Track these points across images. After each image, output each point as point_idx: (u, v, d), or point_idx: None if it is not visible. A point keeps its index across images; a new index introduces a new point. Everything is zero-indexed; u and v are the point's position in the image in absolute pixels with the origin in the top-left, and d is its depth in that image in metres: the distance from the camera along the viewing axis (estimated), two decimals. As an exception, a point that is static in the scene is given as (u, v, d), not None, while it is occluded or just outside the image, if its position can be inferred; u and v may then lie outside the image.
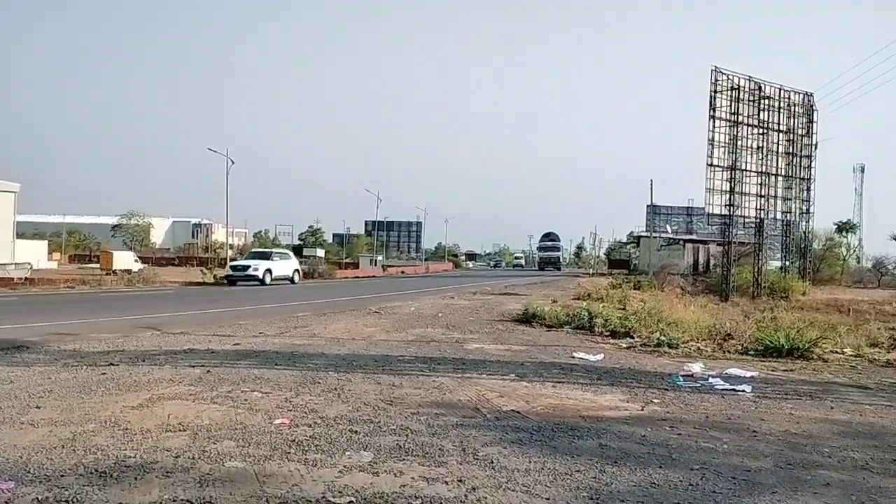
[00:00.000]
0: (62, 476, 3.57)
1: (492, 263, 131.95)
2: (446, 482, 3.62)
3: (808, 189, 33.44)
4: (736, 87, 29.07)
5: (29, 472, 3.63)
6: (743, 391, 6.66)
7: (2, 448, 4.06)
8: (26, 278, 29.19)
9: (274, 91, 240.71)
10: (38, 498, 3.25)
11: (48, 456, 3.91)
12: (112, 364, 7.25)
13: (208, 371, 6.88)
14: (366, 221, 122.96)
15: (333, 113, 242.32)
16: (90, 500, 3.23)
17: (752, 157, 29.81)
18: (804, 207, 33.58)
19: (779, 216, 32.57)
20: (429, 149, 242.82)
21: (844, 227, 58.46)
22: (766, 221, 31.02)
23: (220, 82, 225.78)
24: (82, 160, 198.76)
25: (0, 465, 3.76)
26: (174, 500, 3.25)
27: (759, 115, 29.93)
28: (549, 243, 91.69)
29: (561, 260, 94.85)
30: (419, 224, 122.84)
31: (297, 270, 33.41)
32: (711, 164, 28.41)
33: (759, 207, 30.02)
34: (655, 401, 6.08)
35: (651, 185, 65.05)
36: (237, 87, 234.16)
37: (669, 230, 76.31)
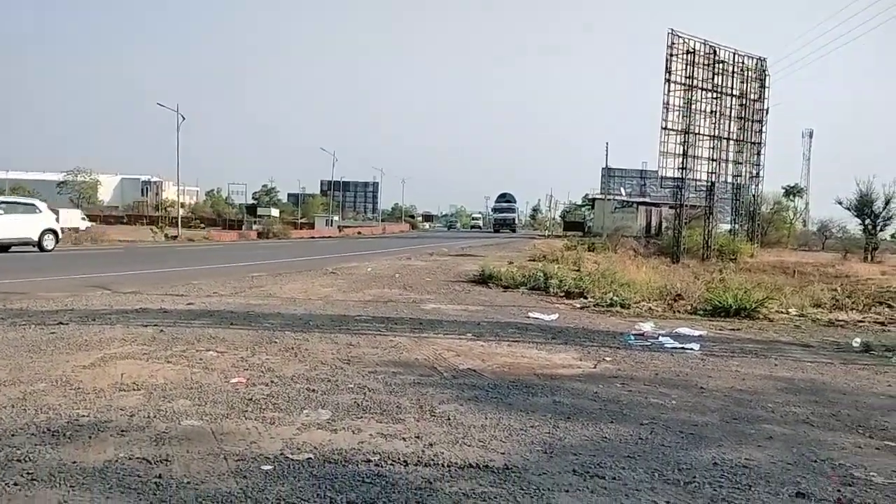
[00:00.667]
0: (13, 436, 3.50)
1: (447, 225, 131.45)
2: (404, 438, 3.67)
3: (759, 153, 34.33)
4: (691, 50, 29.39)
5: (-23, 432, 3.55)
6: (691, 349, 6.87)
7: (-53, 409, 3.94)
8: (-34, 236, 27.99)
9: (230, 48, 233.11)
10: (-12, 458, 3.18)
11: (-3, 416, 3.82)
12: (62, 323, 7.06)
13: (162, 330, 6.76)
14: (321, 181, 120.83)
15: (290, 70, 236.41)
16: (43, 460, 3.18)
17: (705, 121, 30.39)
18: (754, 171, 34.51)
19: (729, 180, 33.39)
20: (385, 109, 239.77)
21: (792, 192, 60.43)
22: (716, 185, 31.71)
23: (174, 37, 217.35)
24: (26, 113, 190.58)
25: (-54, 425, 3.66)
26: (130, 459, 3.22)
27: (713, 79, 30.39)
28: (505, 204, 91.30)
29: (517, 221, 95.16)
30: (376, 185, 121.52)
31: (50, 231, 22.27)
32: (666, 128, 28.86)
33: (710, 171, 30.68)
34: (607, 359, 6.23)
35: (607, 147, 65.79)
36: (192, 42, 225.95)
37: (624, 193, 77.36)
